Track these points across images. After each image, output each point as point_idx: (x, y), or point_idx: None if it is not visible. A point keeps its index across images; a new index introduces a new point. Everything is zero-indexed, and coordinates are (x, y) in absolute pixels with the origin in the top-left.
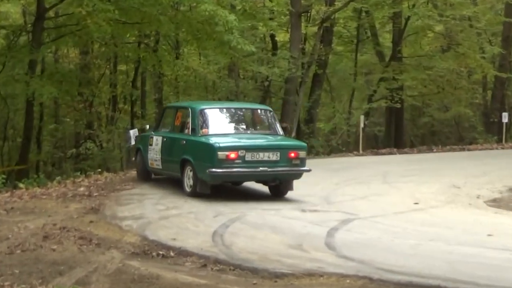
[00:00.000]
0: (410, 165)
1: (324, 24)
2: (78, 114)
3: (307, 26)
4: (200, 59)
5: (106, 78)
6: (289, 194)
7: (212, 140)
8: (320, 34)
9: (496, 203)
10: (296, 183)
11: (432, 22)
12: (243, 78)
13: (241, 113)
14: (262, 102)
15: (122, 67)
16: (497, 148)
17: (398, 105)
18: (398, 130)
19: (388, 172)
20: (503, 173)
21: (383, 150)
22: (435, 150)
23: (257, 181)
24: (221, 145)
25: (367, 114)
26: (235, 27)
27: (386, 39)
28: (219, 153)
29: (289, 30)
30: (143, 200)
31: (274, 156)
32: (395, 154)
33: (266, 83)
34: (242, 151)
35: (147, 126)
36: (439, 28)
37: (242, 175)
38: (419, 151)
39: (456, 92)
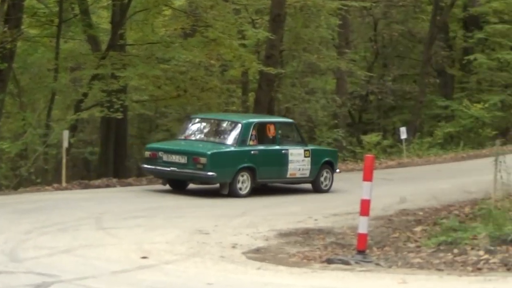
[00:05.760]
0: (136, 203)
1: None
2: None
3: None
4: None
5: None
6: None
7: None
8: (3, 10)
9: (260, 254)
10: None
11: None
12: None
13: (213, 124)
14: None
15: None
16: None
17: (120, 115)
18: (120, 152)
19: (105, 214)
20: (270, 212)
21: (98, 182)
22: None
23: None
24: (148, 146)
25: (73, 129)
26: None
27: (102, 19)
28: (145, 152)
29: None
30: None
31: (182, 159)
32: (114, 186)
33: None
34: (161, 152)
35: None
36: (180, 2)
37: (160, 172)
38: (150, 182)
39: (204, 95)
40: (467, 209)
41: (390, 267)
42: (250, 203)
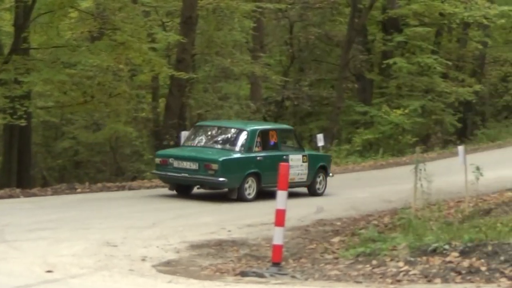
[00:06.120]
0: (41, 214)
1: None
2: None
3: None
4: None
5: None
6: None
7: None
8: None
9: (171, 267)
10: None
11: None
12: None
13: (219, 131)
14: None
15: None
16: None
17: (23, 122)
18: (23, 161)
19: (8, 226)
20: (181, 223)
21: (1, 192)
22: (79, 190)
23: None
24: (159, 153)
25: None
26: None
27: (5, 22)
28: (156, 158)
29: None
30: None
31: (194, 166)
32: (18, 197)
33: None
34: (171, 159)
35: None
36: (86, 4)
37: (170, 178)
38: (56, 192)
39: (112, 101)
40: (386, 219)
41: (306, 279)
42: (161, 214)
